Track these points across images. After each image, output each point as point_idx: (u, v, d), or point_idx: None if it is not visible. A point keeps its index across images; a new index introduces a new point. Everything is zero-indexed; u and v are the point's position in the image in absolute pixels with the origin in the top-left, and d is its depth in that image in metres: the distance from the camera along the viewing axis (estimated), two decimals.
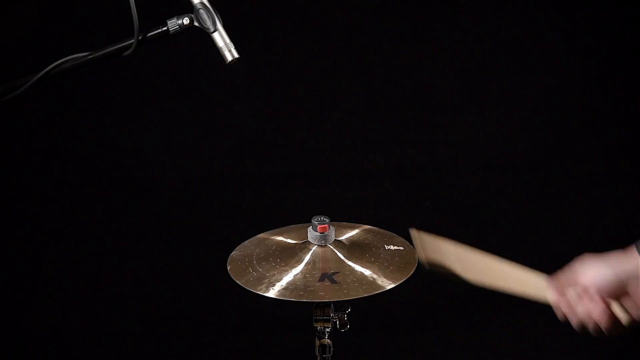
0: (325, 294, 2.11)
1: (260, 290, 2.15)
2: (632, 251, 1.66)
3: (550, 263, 3.85)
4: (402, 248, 2.29)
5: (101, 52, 2.05)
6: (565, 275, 1.70)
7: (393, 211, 3.77)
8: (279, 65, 3.75)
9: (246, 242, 2.36)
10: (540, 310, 3.88)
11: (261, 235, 2.40)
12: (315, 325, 2.25)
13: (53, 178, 3.76)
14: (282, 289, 2.14)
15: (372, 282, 2.15)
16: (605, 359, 3.58)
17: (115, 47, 2.05)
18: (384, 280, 2.16)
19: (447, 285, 3.76)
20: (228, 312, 3.71)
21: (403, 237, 2.35)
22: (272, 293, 2.14)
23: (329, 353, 2.26)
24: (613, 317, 1.67)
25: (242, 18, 3.61)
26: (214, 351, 3.64)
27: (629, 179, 3.76)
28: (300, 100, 3.78)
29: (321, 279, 2.15)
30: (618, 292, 1.66)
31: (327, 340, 2.25)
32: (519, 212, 3.79)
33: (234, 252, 2.32)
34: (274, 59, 3.74)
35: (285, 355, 3.60)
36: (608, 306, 1.66)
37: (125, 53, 2.04)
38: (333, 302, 2.21)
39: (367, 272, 2.19)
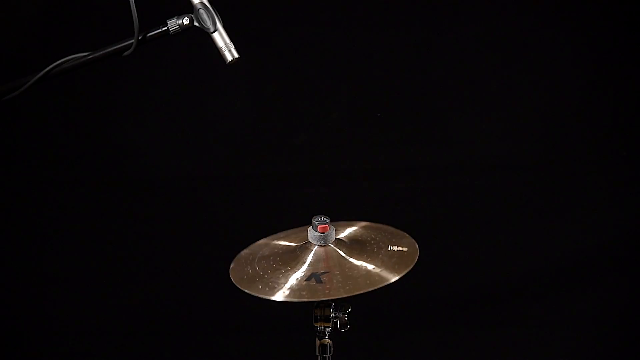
0: (306, 294, 2.10)
1: (247, 287, 2.15)
2: None
3: (550, 263, 3.84)
4: (406, 249, 2.27)
5: (101, 52, 2.05)
6: None
7: (393, 211, 3.77)
8: (278, 65, 3.75)
9: (243, 252, 2.37)
10: (541, 310, 3.88)
11: (262, 240, 2.41)
12: (315, 325, 2.25)
13: (54, 178, 3.75)
14: (265, 286, 2.14)
15: (356, 284, 2.12)
16: (605, 359, 3.58)
17: (115, 47, 2.05)
18: (370, 281, 2.13)
19: (446, 285, 3.77)
20: (228, 312, 3.71)
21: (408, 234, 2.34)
22: (253, 290, 2.14)
23: (329, 353, 2.25)
24: None
25: (242, 18, 3.61)
26: (214, 351, 3.63)
27: (629, 179, 3.76)
28: (300, 100, 3.78)
29: (308, 279, 2.15)
30: None
31: (327, 340, 2.25)
32: (519, 212, 3.78)
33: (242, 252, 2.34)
34: (274, 59, 3.74)
35: (285, 355, 3.60)
36: None
37: (125, 53, 2.04)
38: (333, 301, 2.21)
39: (358, 274, 2.17)
